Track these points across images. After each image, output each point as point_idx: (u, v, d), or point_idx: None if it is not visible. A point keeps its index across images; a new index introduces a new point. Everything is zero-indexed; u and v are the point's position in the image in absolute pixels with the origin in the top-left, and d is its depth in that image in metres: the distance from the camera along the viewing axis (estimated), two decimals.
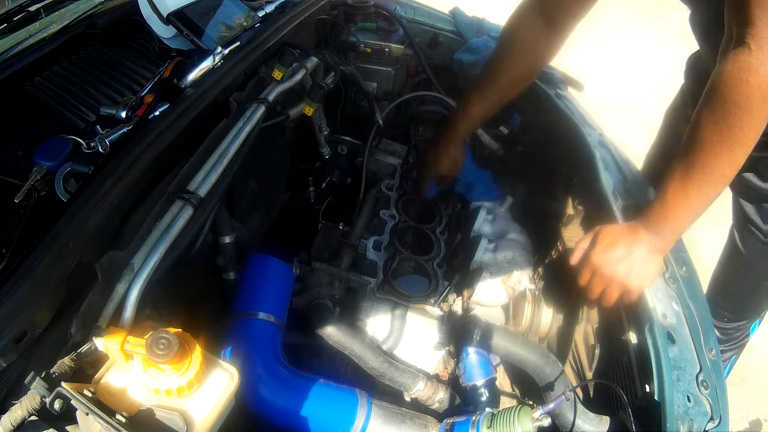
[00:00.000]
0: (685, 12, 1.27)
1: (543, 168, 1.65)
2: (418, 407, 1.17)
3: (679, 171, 1.00)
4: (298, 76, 1.30)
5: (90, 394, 0.66)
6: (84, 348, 0.73)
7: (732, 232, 1.58)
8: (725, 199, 1.54)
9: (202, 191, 0.98)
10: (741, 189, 1.46)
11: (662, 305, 1.07)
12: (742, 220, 1.51)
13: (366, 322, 1.26)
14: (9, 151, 1.06)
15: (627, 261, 1.05)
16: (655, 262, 1.06)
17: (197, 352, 0.72)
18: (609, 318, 1.20)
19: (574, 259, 1.13)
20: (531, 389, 1.24)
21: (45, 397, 0.65)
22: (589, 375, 1.23)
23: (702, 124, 0.95)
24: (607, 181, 1.27)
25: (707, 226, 1.80)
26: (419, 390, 1.17)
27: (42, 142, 1.02)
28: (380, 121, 1.59)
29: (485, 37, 1.82)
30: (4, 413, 0.67)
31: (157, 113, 1.09)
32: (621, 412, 1.04)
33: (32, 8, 1.35)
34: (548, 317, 1.29)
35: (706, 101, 0.95)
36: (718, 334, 1.78)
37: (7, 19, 1.30)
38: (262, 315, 1.06)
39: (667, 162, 1.05)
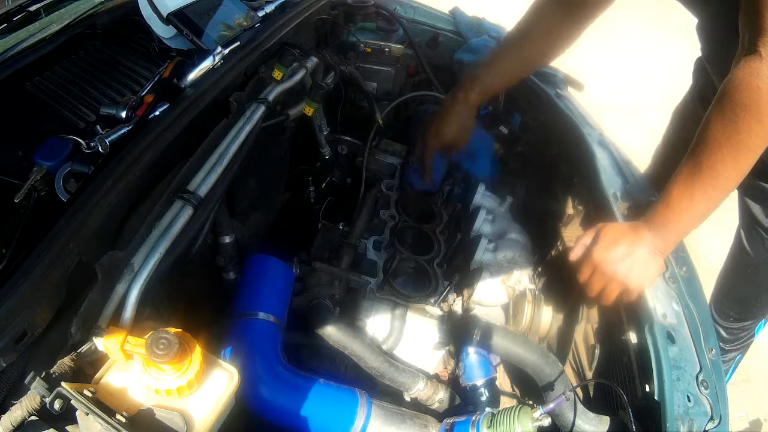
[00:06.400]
0: (685, 13, 1.27)
1: (543, 168, 1.65)
2: (418, 407, 1.17)
3: (685, 173, 1.00)
4: (298, 76, 1.31)
5: (90, 394, 0.66)
6: (84, 348, 0.73)
7: (738, 232, 1.58)
8: (731, 201, 1.53)
9: (202, 191, 0.98)
10: (746, 188, 1.45)
11: (662, 305, 1.07)
12: (749, 221, 1.50)
13: (366, 322, 1.26)
14: (9, 151, 1.06)
15: (628, 260, 1.05)
16: (656, 263, 1.06)
17: (197, 352, 0.72)
18: (609, 318, 1.20)
19: (575, 255, 1.13)
20: (531, 389, 1.24)
21: (45, 397, 0.65)
22: (589, 375, 1.23)
23: (711, 127, 0.95)
24: (608, 181, 1.27)
25: (713, 228, 1.79)
26: (419, 390, 1.17)
27: (42, 142, 1.02)
28: (380, 121, 1.59)
29: (485, 37, 1.82)
30: (4, 413, 0.67)
31: (157, 113, 1.08)
32: (621, 412, 1.04)
33: (32, 8, 1.35)
34: (548, 317, 1.29)
35: (716, 105, 0.95)
36: (723, 333, 1.78)
37: (7, 19, 1.30)
38: (262, 315, 1.06)
39: (675, 161, 1.04)
